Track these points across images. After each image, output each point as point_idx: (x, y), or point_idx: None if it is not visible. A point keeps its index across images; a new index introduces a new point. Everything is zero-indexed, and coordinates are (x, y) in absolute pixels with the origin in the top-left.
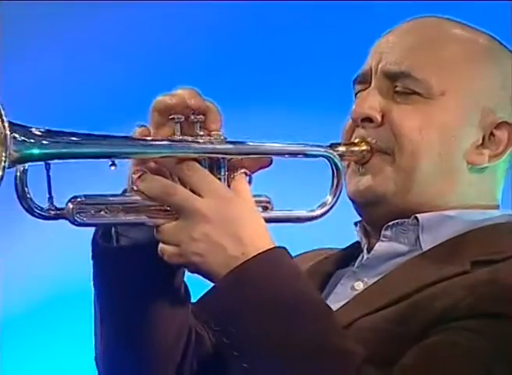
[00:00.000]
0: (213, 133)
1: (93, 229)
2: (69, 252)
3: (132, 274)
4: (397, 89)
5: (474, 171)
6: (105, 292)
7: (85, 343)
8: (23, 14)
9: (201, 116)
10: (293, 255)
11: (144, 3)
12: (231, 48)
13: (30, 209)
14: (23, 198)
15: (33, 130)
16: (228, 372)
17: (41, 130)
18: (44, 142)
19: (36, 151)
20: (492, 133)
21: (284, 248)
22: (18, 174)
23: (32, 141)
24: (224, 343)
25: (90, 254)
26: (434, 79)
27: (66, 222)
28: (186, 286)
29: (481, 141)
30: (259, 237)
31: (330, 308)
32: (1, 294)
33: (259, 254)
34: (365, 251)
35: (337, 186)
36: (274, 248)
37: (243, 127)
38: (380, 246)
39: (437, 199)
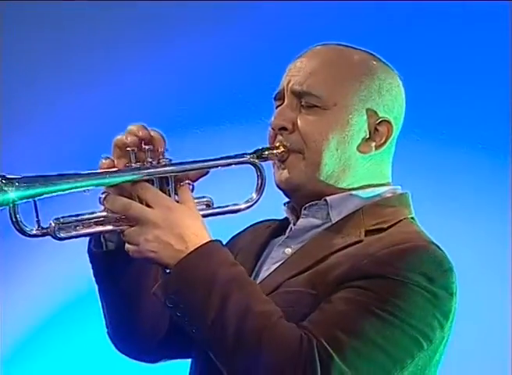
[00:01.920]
0: (161, 158)
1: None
2: (66, 276)
3: (119, 269)
4: (303, 104)
5: (366, 159)
6: (103, 285)
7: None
8: (24, 14)
9: (150, 146)
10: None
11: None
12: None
13: (22, 231)
14: (16, 223)
15: (8, 176)
16: None
17: (14, 176)
18: (18, 186)
19: (12, 195)
20: (376, 129)
21: (219, 240)
22: (11, 206)
23: (8, 187)
24: (177, 316)
25: (88, 259)
26: (328, 94)
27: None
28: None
29: (368, 136)
30: (198, 235)
31: (254, 283)
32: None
33: (198, 247)
34: (292, 224)
35: (260, 186)
36: (209, 242)
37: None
38: (301, 221)
39: (340, 183)
